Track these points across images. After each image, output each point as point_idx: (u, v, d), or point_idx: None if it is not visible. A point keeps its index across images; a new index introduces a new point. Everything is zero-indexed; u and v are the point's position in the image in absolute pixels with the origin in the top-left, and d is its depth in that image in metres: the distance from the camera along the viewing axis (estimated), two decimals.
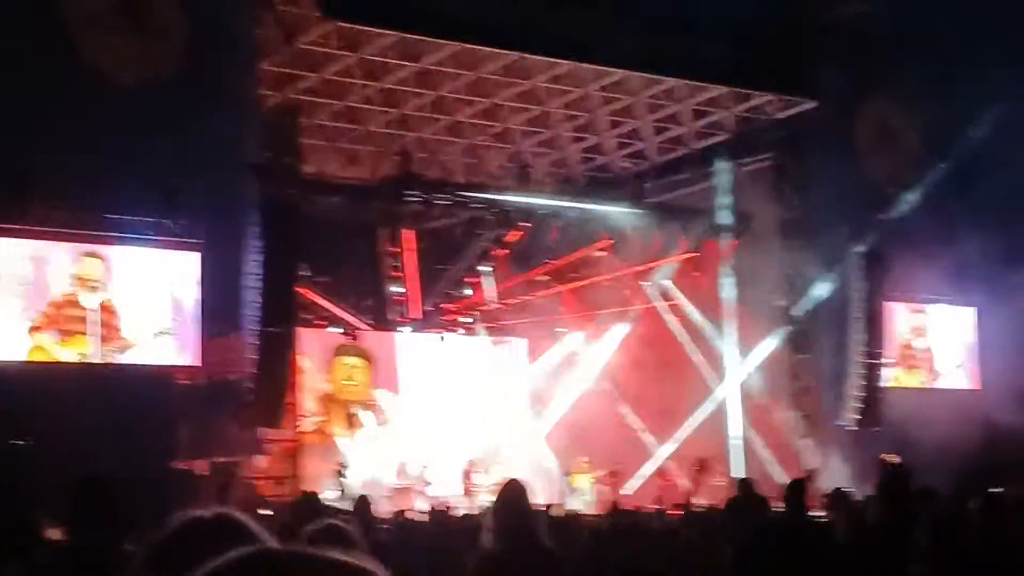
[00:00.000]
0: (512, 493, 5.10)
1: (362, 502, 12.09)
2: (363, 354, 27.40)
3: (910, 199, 26.79)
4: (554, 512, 14.10)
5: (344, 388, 27.01)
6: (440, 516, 14.57)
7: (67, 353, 20.52)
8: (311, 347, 26.20)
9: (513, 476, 5.36)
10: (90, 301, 20.79)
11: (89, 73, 19.60)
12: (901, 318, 28.74)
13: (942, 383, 29.29)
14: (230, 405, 22.51)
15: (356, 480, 23.79)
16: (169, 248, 21.56)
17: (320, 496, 17.22)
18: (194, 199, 21.30)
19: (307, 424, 26.05)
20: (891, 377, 28.16)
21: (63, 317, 20.59)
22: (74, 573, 4.05)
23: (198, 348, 22.17)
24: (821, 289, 27.27)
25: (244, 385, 21.93)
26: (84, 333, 20.63)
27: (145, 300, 21.27)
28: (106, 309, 20.94)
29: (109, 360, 20.86)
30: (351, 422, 26.75)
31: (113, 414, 18.88)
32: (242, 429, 22.68)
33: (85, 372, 20.66)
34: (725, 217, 27.79)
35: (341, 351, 27.10)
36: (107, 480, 4.47)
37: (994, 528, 6.97)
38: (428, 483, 25.50)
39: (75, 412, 18.47)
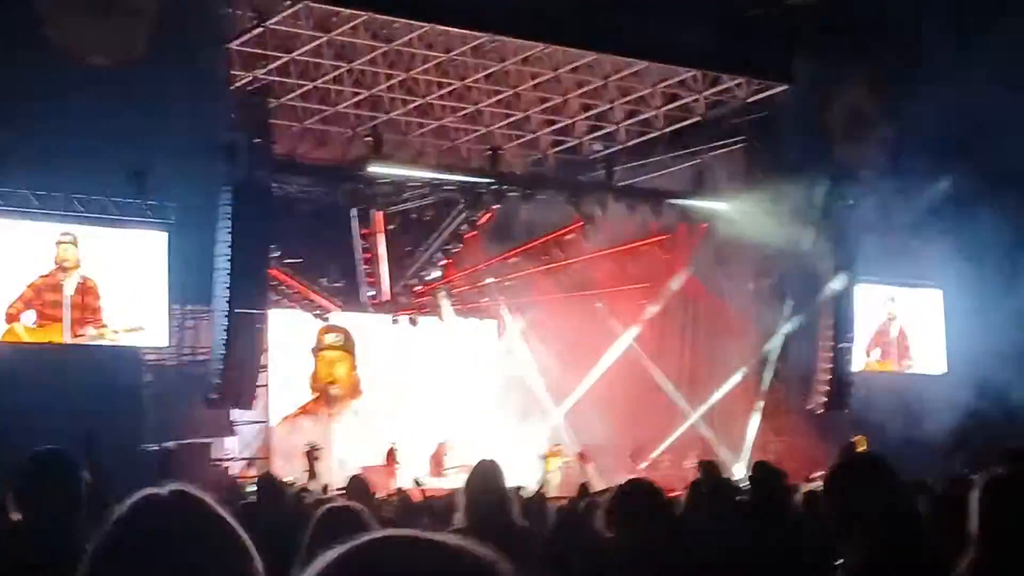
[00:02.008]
0: (485, 472, 5.10)
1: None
2: (344, 346, 27.69)
3: (878, 182, 26.89)
4: (522, 493, 14.13)
5: (329, 383, 27.36)
6: (407, 497, 14.61)
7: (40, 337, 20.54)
8: (286, 335, 26.24)
9: (484, 456, 5.35)
10: (69, 285, 20.79)
11: (58, 54, 19.46)
12: (875, 301, 28.88)
13: (915, 367, 29.49)
14: (199, 386, 22.44)
15: (329, 462, 23.81)
16: (137, 228, 21.47)
17: (288, 479, 17.28)
18: (163, 179, 21.22)
19: (288, 408, 26.29)
20: (864, 361, 28.33)
21: (42, 301, 20.58)
22: (27, 550, 4.01)
23: (167, 329, 22.12)
24: (791, 272, 27.40)
25: (214, 366, 21.85)
26: (60, 320, 20.62)
27: (114, 280, 21.19)
28: (85, 291, 20.91)
29: (85, 341, 20.85)
30: (328, 404, 26.94)
31: (82, 395, 18.80)
32: (211, 410, 22.63)
33: (54, 353, 20.58)
34: (695, 200, 27.80)
35: (322, 346, 27.37)
36: (61, 453, 4.40)
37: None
38: (399, 464, 25.52)
39: (43, 393, 18.38)
